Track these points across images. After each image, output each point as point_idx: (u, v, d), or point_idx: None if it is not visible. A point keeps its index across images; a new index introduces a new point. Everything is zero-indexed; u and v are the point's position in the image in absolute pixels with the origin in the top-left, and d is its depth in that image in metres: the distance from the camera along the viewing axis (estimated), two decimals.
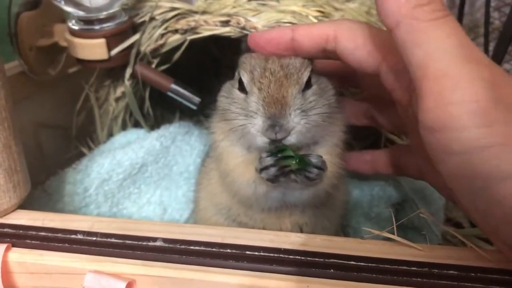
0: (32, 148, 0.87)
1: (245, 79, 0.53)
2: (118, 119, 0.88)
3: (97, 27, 0.77)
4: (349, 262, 0.46)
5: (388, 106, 0.57)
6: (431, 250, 0.47)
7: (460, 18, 1.03)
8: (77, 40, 0.77)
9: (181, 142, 0.83)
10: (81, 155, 0.84)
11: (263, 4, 0.77)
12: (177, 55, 0.81)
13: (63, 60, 0.88)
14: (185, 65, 0.85)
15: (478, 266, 0.44)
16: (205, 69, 1.01)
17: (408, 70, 0.40)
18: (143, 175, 0.79)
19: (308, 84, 0.53)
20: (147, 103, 0.88)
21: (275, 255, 0.47)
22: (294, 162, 0.51)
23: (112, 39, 0.77)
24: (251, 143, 0.54)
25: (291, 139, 0.50)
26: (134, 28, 0.82)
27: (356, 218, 0.71)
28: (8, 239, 0.52)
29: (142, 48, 0.81)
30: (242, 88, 0.54)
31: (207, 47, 1.03)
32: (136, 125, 0.89)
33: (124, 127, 0.89)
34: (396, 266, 0.45)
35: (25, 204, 0.59)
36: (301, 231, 0.61)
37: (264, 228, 0.60)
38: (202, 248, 0.49)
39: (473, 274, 0.44)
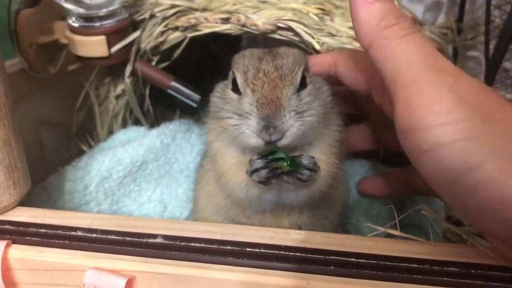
0: (32, 145, 0.87)
1: (239, 80, 0.53)
2: (118, 116, 0.88)
3: (97, 24, 0.77)
4: (349, 259, 0.46)
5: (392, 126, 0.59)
6: (432, 247, 0.47)
7: (460, 16, 1.03)
8: (77, 37, 0.77)
9: (181, 140, 0.83)
10: (81, 153, 0.84)
11: (264, 2, 0.77)
12: (177, 52, 0.81)
13: (63, 58, 0.88)
14: (186, 63, 0.85)
15: (479, 263, 0.45)
16: (205, 66, 1.01)
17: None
18: (143, 173, 0.79)
19: (303, 84, 0.53)
20: (147, 101, 0.87)
21: (275, 252, 0.47)
22: (285, 164, 0.51)
23: (112, 36, 0.77)
24: (245, 144, 0.53)
25: (286, 141, 0.50)
26: (134, 25, 0.82)
27: (356, 216, 0.71)
28: (8, 236, 0.52)
29: (142, 46, 0.81)
30: (236, 88, 0.54)
31: (207, 45, 1.03)
32: (136, 122, 0.89)
33: (124, 125, 0.89)
34: (397, 263, 0.45)
35: (25, 202, 0.59)
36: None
37: None
38: (202, 245, 0.49)
39: (473, 271, 0.44)
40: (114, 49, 0.78)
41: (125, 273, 0.47)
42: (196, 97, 0.80)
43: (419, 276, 0.44)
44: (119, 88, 0.85)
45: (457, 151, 0.38)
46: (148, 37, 0.80)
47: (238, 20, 0.73)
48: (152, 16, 0.80)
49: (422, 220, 0.65)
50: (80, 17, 0.78)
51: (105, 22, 0.77)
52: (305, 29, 0.69)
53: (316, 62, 0.60)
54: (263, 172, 0.51)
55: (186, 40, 0.79)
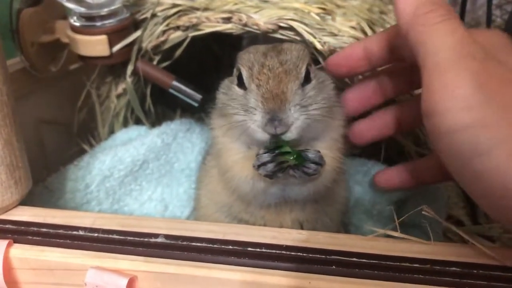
0: (34, 144, 0.87)
1: (244, 75, 0.53)
2: (120, 116, 0.87)
3: (98, 23, 0.77)
4: (351, 259, 0.46)
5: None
6: (433, 247, 0.47)
7: (462, 16, 1.03)
8: (78, 37, 0.77)
9: (182, 139, 0.83)
10: (82, 152, 0.84)
11: (265, 1, 0.77)
12: (178, 52, 0.81)
13: (64, 57, 0.88)
14: (187, 62, 0.85)
15: (480, 263, 0.44)
16: (206, 66, 1.01)
17: None
18: (144, 172, 0.79)
19: (307, 79, 0.53)
20: (149, 100, 0.87)
21: (277, 251, 0.47)
22: (291, 158, 0.51)
23: (114, 35, 0.77)
24: (251, 139, 0.54)
25: (291, 134, 0.50)
26: (136, 24, 0.82)
27: (358, 215, 0.71)
28: (10, 235, 0.52)
29: (144, 45, 0.80)
30: (241, 84, 0.54)
31: (208, 44, 1.03)
32: (138, 122, 0.89)
33: (125, 124, 0.89)
34: (398, 263, 0.45)
35: (27, 201, 0.59)
36: (302, 228, 0.61)
37: (265, 225, 0.60)
38: (203, 244, 0.49)
39: (475, 271, 0.44)
40: (116, 48, 0.78)
41: (127, 272, 0.47)
42: (197, 96, 0.80)
43: (420, 276, 0.44)
44: (120, 87, 0.85)
45: (469, 137, 0.39)
46: (149, 37, 0.80)
47: (240, 20, 0.73)
48: (153, 15, 0.80)
49: (423, 220, 0.65)
50: (81, 16, 0.78)
51: (106, 22, 0.77)
52: (307, 28, 0.69)
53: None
54: (270, 166, 0.52)
55: (188, 40, 0.78)
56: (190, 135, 0.84)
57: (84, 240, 0.51)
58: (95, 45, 0.77)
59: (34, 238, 0.52)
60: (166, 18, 0.79)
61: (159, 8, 0.80)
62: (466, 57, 0.41)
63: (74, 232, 0.52)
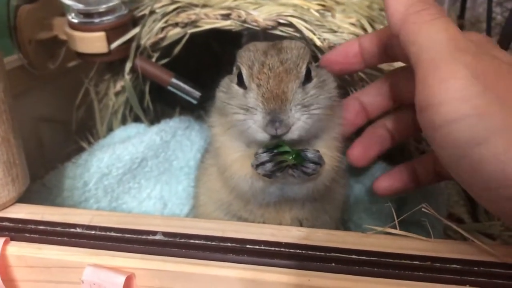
0: (32, 142, 0.87)
1: (244, 74, 0.53)
2: (118, 113, 0.87)
3: (96, 20, 0.77)
4: (350, 256, 0.46)
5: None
6: (433, 244, 0.47)
7: (462, 13, 1.03)
8: (76, 34, 0.77)
9: (181, 137, 0.83)
10: (80, 150, 0.84)
11: None
12: (177, 49, 0.81)
13: (62, 54, 0.88)
14: (186, 59, 0.85)
15: (480, 260, 0.44)
16: (205, 63, 1.00)
17: None
18: (143, 170, 0.78)
19: (308, 77, 0.53)
20: (147, 98, 0.87)
21: (276, 249, 0.47)
22: (290, 157, 0.51)
23: (112, 32, 0.77)
24: (251, 138, 0.53)
25: (292, 135, 0.50)
26: (134, 21, 0.81)
27: (357, 213, 0.71)
28: (7, 233, 0.52)
29: (142, 42, 0.80)
30: (241, 83, 0.54)
31: (207, 41, 1.02)
32: (136, 119, 0.89)
33: (124, 122, 0.88)
34: (398, 260, 0.45)
35: (24, 199, 0.58)
36: (301, 225, 0.60)
37: (264, 223, 0.60)
38: (202, 241, 0.48)
39: (475, 268, 0.44)
40: (114, 45, 0.78)
41: (124, 270, 0.47)
42: (196, 93, 0.80)
43: (420, 273, 0.44)
44: (119, 84, 0.84)
45: (467, 126, 0.39)
46: (148, 33, 0.80)
47: (239, 16, 0.72)
48: (152, 12, 0.80)
49: (423, 217, 0.65)
50: (79, 13, 0.77)
51: (104, 18, 0.77)
52: (306, 25, 0.69)
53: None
54: (269, 166, 0.51)
55: (186, 37, 0.78)
56: (189, 132, 0.84)
57: (82, 238, 0.51)
58: (93, 42, 0.77)
59: (32, 235, 0.51)
60: (165, 14, 0.79)
61: (157, 5, 0.80)
62: (460, 51, 0.42)
63: (72, 230, 0.51)
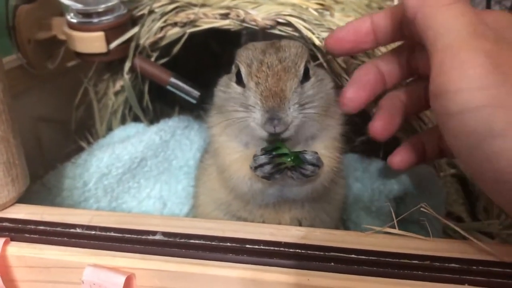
0: (31, 142, 0.87)
1: (243, 73, 0.53)
2: (117, 113, 0.87)
3: (95, 20, 0.77)
4: (349, 256, 0.46)
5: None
6: (432, 243, 0.47)
7: None
8: (75, 34, 0.77)
9: (180, 136, 0.83)
10: (80, 150, 0.84)
11: None
12: (176, 48, 0.81)
13: (61, 54, 0.88)
14: (185, 59, 0.85)
15: (480, 259, 0.44)
16: (204, 62, 1.00)
17: None
18: (142, 170, 0.78)
19: (306, 76, 0.53)
20: (146, 97, 0.87)
21: (276, 248, 0.47)
22: (289, 159, 0.51)
23: (111, 32, 0.77)
24: (250, 136, 0.54)
25: (289, 132, 0.50)
26: (133, 21, 0.81)
27: (356, 212, 0.71)
28: (7, 233, 0.52)
29: (141, 42, 0.80)
30: (239, 81, 0.54)
31: (206, 41, 1.02)
32: (136, 119, 0.89)
33: (123, 121, 0.88)
34: (397, 260, 0.45)
35: (24, 199, 0.58)
36: (300, 225, 0.60)
37: (263, 223, 0.60)
38: (202, 241, 0.48)
39: (474, 267, 0.44)
40: (113, 45, 0.78)
41: (124, 270, 0.47)
42: (195, 93, 0.80)
43: (419, 272, 0.44)
44: (118, 84, 0.84)
45: (484, 116, 0.38)
46: (147, 33, 0.80)
47: (237, 16, 0.72)
48: (151, 11, 0.80)
49: (422, 216, 0.65)
50: (78, 13, 0.77)
51: (103, 18, 0.77)
52: (305, 24, 0.69)
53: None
54: (267, 168, 0.52)
55: (185, 36, 0.78)
56: (189, 132, 0.84)
57: (82, 238, 0.51)
58: (92, 42, 0.76)
59: (31, 236, 0.51)
60: (164, 14, 0.78)
61: (156, 4, 0.80)
62: (479, 38, 0.40)
63: (72, 230, 0.51)
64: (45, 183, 0.73)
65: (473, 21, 0.42)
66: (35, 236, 0.51)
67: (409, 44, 0.58)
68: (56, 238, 0.51)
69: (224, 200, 0.63)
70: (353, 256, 0.46)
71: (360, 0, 0.79)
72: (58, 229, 0.52)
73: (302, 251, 0.47)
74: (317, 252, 0.46)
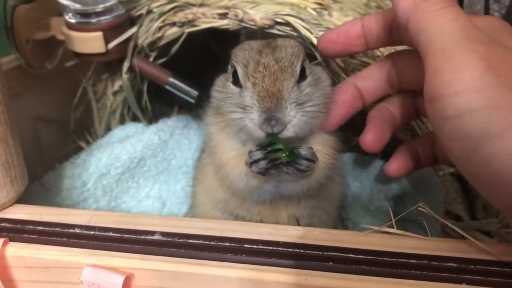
0: (30, 142, 0.87)
1: (239, 73, 0.53)
2: (116, 113, 0.87)
3: (94, 20, 0.77)
4: (348, 255, 0.46)
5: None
6: (430, 243, 0.47)
7: None
8: (74, 34, 0.77)
9: (179, 136, 0.83)
10: (79, 150, 0.84)
11: None
12: (175, 48, 0.81)
13: (60, 54, 0.88)
14: (183, 59, 0.85)
15: (478, 258, 0.44)
16: (203, 62, 1.00)
17: None
18: (141, 169, 0.78)
19: (302, 75, 0.53)
20: (145, 97, 0.87)
21: (274, 248, 0.47)
22: (284, 155, 0.51)
23: (109, 32, 0.77)
24: (248, 137, 0.54)
25: (288, 133, 0.50)
26: (132, 21, 0.81)
27: (355, 211, 0.71)
28: (6, 234, 0.52)
29: (140, 41, 0.80)
30: (236, 81, 0.54)
31: (205, 40, 1.02)
32: (134, 119, 0.89)
33: (122, 121, 0.88)
34: (396, 259, 0.45)
35: (23, 199, 0.58)
36: (298, 223, 0.61)
37: (261, 221, 0.60)
38: (200, 241, 0.48)
39: (472, 267, 0.44)
40: (111, 45, 0.78)
41: (123, 270, 0.47)
42: (194, 93, 0.80)
43: (418, 271, 0.44)
44: (117, 84, 0.84)
45: (480, 119, 0.38)
46: (145, 33, 0.80)
47: (236, 15, 0.72)
48: (149, 11, 0.80)
49: (420, 216, 0.65)
50: (76, 13, 0.77)
51: (102, 18, 0.77)
52: (303, 24, 0.69)
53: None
54: (262, 163, 0.52)
55: (184, 36, 0.78)
56: (187, 131, 0.84)
57: (80, 238, 0.51)
58: (90, 42, 0.76)
59: (30, 236, 0.51)
60: (162, 14, 0.78)
61: (154, 4, 0.80)
62: (473, 40, 0.41)
63: (70, 230, 0.51)
64: (44, 183, 0.73)
65: (466, 24, 0.42)
66: (34, 236, 0.51)
67: (389, 59, 0.58)
68: (55, 238, 0.51)
69: (222, 199, 0.63)
70: (351, 255, 0.46)
71: None
72: (57, 229, 0.52)
73: (301, 250, 0.47)
74: (315, 252, 0.46)
